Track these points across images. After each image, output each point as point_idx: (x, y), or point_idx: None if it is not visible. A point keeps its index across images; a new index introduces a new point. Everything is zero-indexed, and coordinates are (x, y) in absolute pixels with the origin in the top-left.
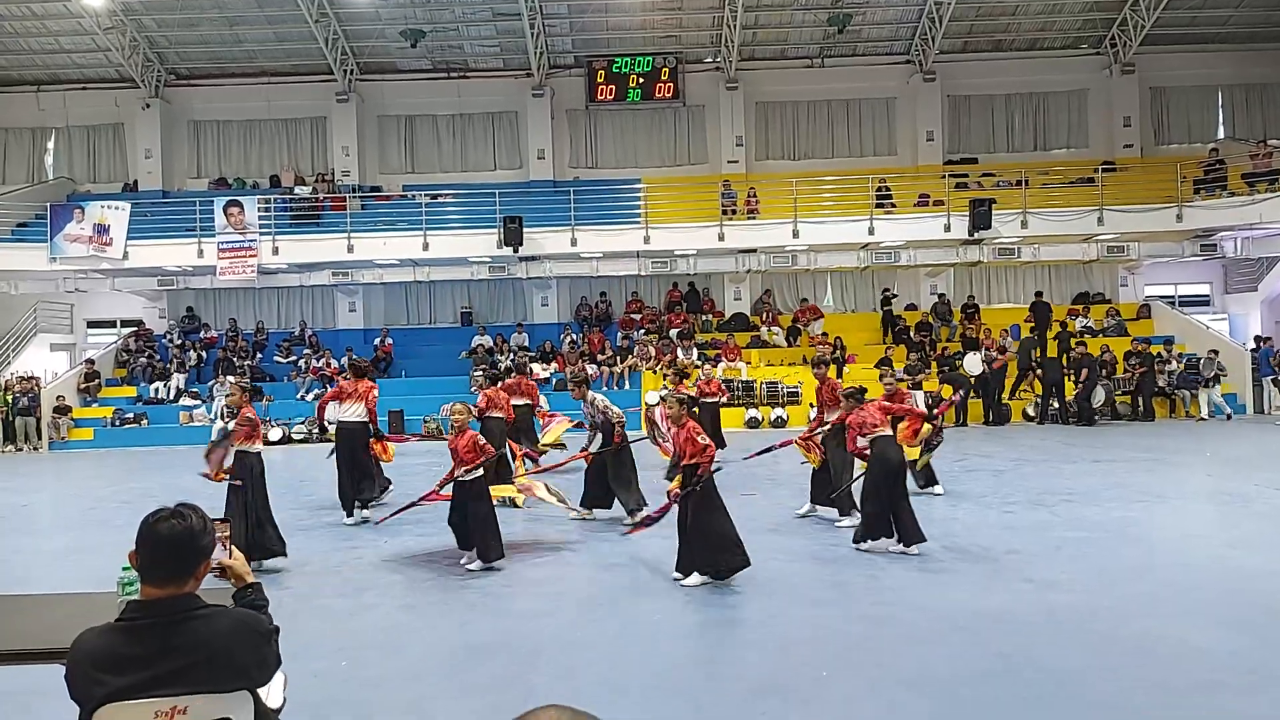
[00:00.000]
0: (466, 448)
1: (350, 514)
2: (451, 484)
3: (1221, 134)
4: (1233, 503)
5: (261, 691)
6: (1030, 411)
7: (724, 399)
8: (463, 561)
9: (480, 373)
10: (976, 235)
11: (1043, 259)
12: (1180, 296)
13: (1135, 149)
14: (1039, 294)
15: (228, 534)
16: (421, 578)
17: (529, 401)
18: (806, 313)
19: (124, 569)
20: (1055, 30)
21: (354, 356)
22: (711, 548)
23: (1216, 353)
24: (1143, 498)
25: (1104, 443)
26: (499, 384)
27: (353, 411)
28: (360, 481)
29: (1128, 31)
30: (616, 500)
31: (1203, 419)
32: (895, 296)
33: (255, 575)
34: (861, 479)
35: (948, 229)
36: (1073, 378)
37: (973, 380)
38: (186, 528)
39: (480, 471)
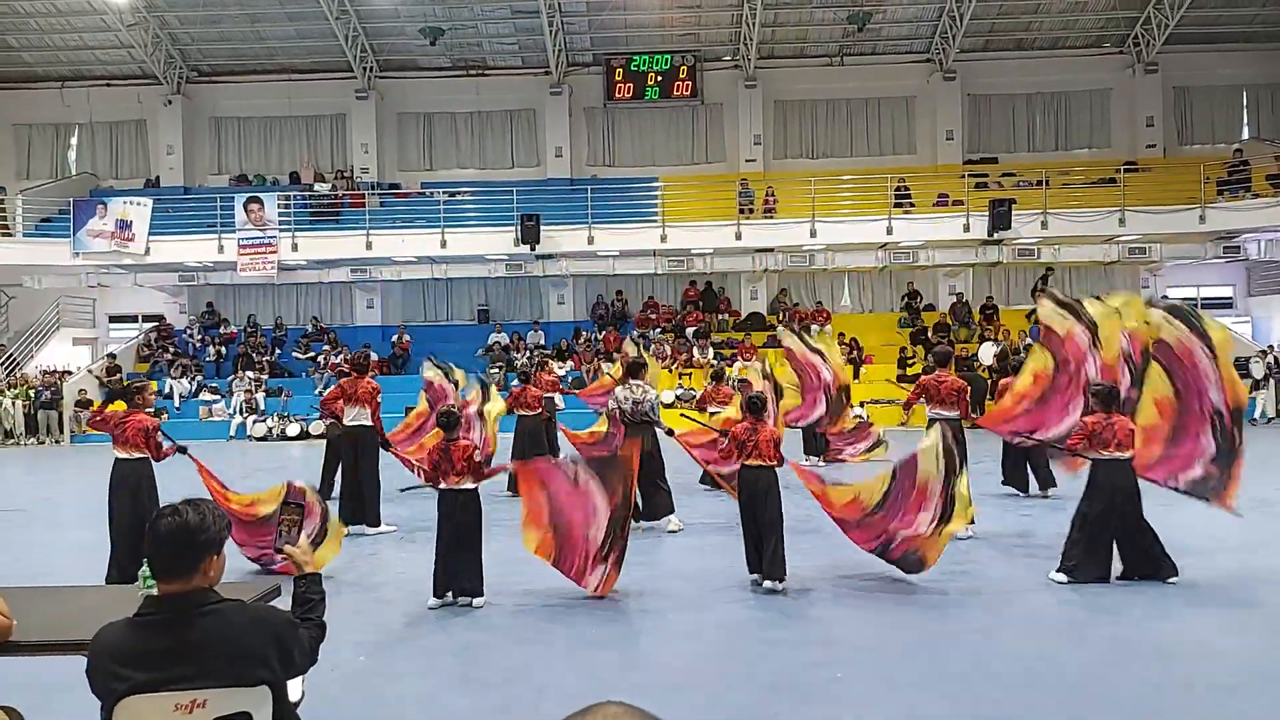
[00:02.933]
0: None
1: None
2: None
3: (1246, 134)
4: (1255, 507)
5: None
6: None
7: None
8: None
9: (497, 370)
10: (996, 236)
11: (1063, 260)
12: (1203, 299)
13: (1158, 149)
14: (1048, 274)
15: (297, 520)
16: None
17: (532, 412)
18: (805, 317)
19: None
20: (1078, 29)
21: (350, 353)
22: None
23: None
24: (1166, 499)
25: None
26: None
27: (354, 415)
28: (352, 500)
29: (1151, 30)
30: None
31: None
32: (919, 295)
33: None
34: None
35: (967, 229)
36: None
37: (985, 373)
38: (182, 523)
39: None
